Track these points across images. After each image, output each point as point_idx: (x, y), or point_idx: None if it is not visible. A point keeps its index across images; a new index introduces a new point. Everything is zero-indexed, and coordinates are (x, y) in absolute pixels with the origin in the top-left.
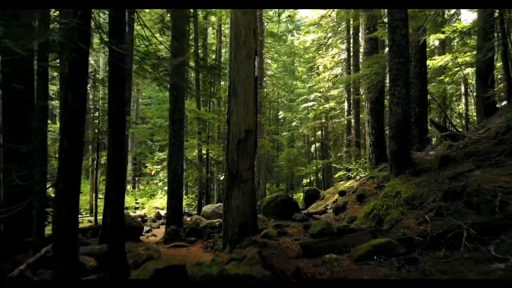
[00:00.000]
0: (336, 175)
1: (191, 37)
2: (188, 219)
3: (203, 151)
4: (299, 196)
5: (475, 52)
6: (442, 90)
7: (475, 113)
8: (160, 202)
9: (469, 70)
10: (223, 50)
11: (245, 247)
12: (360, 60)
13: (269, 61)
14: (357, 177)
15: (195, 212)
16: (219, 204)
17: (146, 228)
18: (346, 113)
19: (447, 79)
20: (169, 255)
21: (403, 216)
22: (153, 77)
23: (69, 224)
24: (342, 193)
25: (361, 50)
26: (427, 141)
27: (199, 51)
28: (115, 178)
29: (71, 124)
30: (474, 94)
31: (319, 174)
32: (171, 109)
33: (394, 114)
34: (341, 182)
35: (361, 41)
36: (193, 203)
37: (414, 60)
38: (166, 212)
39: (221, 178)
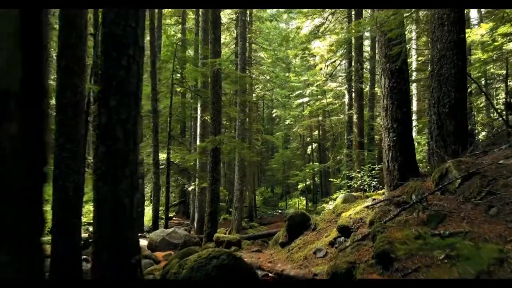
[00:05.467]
0: (334, 196)
1: None
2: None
3: (162, 156)
4: (294, 202)
5: None
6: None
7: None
8: None
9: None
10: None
11: None
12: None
13: (261, 54)
14: (370, 200)
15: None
16: (173, 229)
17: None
18: (346, 107)
19: (484, 56)
20: None
21: None
22: None
23: None
24: (344, 231)
25: None
26: (470, 141)
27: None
28: None
29: None
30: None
31: (316, 178)
32: (58, 88)
33: None
34: (340, 198)
35: None
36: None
37: (448, 23)
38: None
39: (190, 189)
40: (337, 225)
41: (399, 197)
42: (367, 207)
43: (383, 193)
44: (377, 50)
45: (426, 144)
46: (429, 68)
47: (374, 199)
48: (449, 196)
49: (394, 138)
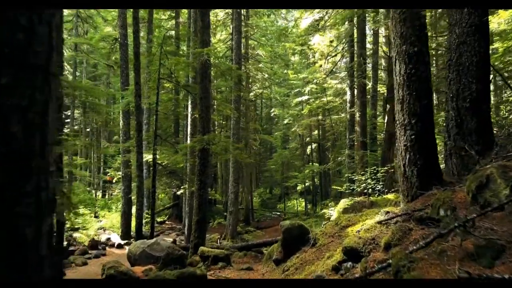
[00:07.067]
0: (338, 207)
1: None
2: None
3: (148, 156)
4: (293, 204)
5: None
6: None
7: None
8: (110, 219)
9: None
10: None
11: None
12: None
13: (259, 51)
14: (383, 213)
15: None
16: (155, 240)
17: None
18: (348, 105)
19: (504, 46)
20: None
21: None
22: None
23: None
24: (352, 254)
25: None
26: (493, 141)
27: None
28: None
29: None
30: None
31: (316, 179)
32: None
33: None
34: (342, 206)
35: None
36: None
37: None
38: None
39: (178, 193)
40: (343, 246)
41: (421, 211)
42: (379, 222)
43: (395, 203)
44: (390, 29)
45: (443, 144)
46: (446, 57)
47: (388, 212)
48: (495, 214)
49: (412, 137)
